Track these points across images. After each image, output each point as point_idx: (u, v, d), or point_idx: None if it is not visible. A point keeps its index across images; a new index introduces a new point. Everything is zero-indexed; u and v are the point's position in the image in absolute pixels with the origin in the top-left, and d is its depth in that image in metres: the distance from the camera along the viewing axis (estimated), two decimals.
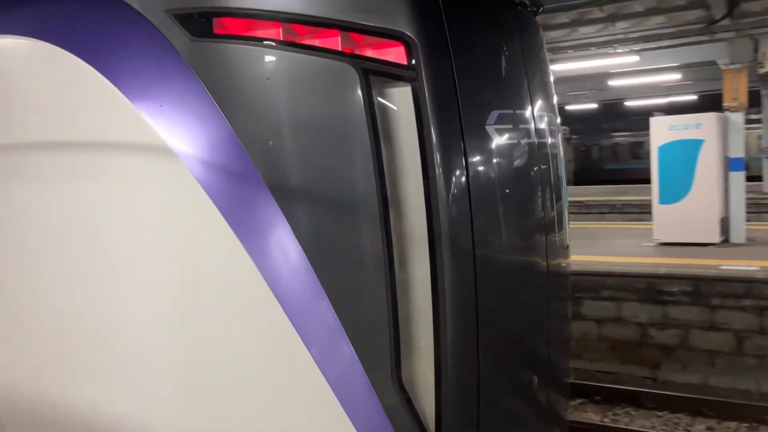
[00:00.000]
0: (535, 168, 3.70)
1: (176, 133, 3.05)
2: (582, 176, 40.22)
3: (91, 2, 3.36)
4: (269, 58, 3.01)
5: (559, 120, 4.25)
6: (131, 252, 3.19)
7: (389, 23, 2.95)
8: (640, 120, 23.93)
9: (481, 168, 3.28)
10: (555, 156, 4.02)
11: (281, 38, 2.98)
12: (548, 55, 4.27)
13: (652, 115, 14.62)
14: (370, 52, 3.01)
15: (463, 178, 3.11)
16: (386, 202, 2.98)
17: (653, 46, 15.61)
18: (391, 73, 3.01)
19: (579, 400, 8.75)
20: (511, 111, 3.57)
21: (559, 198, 4.00)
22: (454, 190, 3.08)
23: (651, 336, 9.67)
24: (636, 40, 15.28)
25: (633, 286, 9.82)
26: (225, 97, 3.00)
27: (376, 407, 2.97)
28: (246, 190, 2.99)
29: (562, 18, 15.41)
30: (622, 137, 42.95)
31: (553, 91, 4.21)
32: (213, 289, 3.06)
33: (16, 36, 3.55)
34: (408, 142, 3.01)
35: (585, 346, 9.93)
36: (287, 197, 2.96)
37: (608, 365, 9.78)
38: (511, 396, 3.55)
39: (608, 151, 43.83)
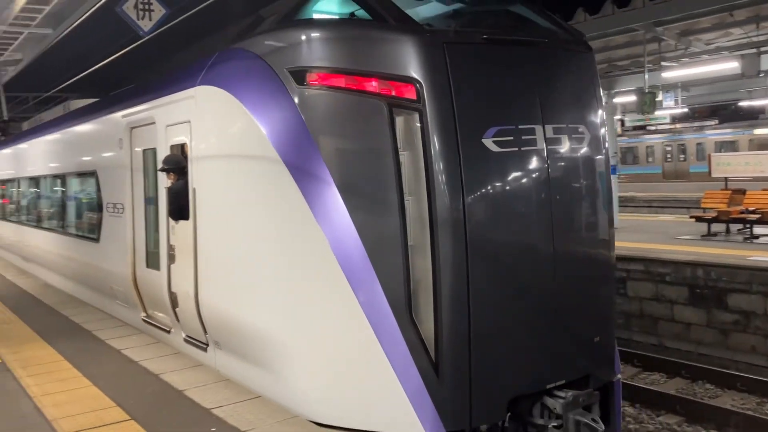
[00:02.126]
0: (541, 170, 4.98)
1: (281, 147, 5.00)
2: None
3: (247, 64, 5.43)
4: (337, 98, 4.83)
5: (601, 134, 5.44)
6: (257, 214, 5.36)
7: (405, 72, 4.65)
8: None
9: (475, 169, 4.68)
10: (585, 163, 5.28)
11: (344, 85, 4.78)
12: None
13: None
14: (394, 92, 4.67)
15: (458, 176, 4.59)
16: (402, 194, 4.65)
17: None
18: (406, 105, 4.65)
19: None
20: (512, 127, 4.86)
21: (586, 197, 5.32)
22: (450, 185, 4.59)
23: None
24: None
25: None
26: (312, 123, 4.86)
27: (395, 330, 4.63)
28: (320, 184, 4.80)
29: None
30: None
31: (591, 110, 5.41)
32: (297, 244, 5.01)
33: (207, 86, 5.95)
34: (418, 151, 4.63)
35: None
36: (345, 190, 4.74)
37: None
38: (496, 328, 4.79)
39: None
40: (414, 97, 4.63)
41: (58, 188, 11.55)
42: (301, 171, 4.88)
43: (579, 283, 5.25)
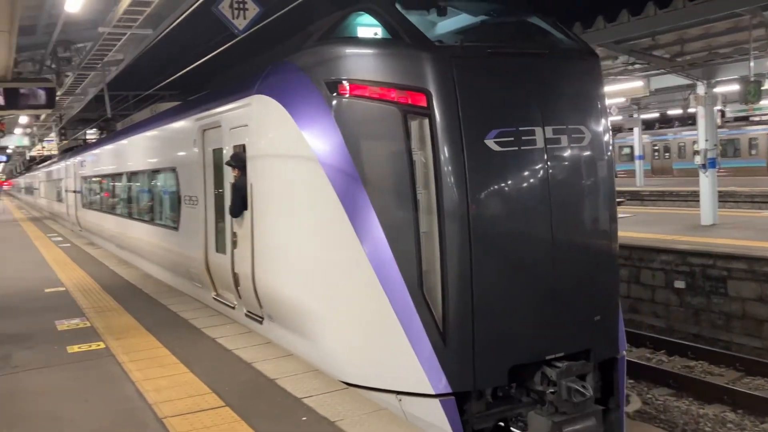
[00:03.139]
0: (540, 166, 5.65)
1: (317, 148, 5.88)
2: None
3: (292, 76, 6.32)
4: (362, 105, 5.66)
5: (603, 134, 6.02)
6: (297, 206, 6.34)
7: (418, 83, 5.43)
8: None
9: (478, 165, 5.39)
10: (585, 160, 5.90)
11: (368, 95, 5.60)
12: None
13: None
14: (410, 100, 5.44)
15: (462, 171, 5.33)
16: (414, 188, 5.44)
17: None
18: (417, 112, 5.43)
19: None
20: (512, 129, 5.54)
21: (585, 190, 5.92)
22: (454, 179, 5.34)
23: None
24: None
25: None
26: (342, 126, 5.69)
27: (409, 303, 5.39)
28: (348, 180, 5.63)
29: None
30: None
31: (593, 112, 6.00)
32: (329, 230, 5.87)
33: (260, 96, 6.86)
34: (428, 151, 5.41)
35: None
36: (368, 185, 5.57)
37: None
38: (496, 304, 5.45)
39: None
40: (425, 104, 5.40)
41: (145, 183, 12.75)
42: (333, 169, 5.74)
43: (577, 267, 5.83)
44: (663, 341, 12.10)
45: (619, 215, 20.84)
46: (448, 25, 6.38)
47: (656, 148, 45.12)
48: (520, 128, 5.57)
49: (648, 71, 17.98)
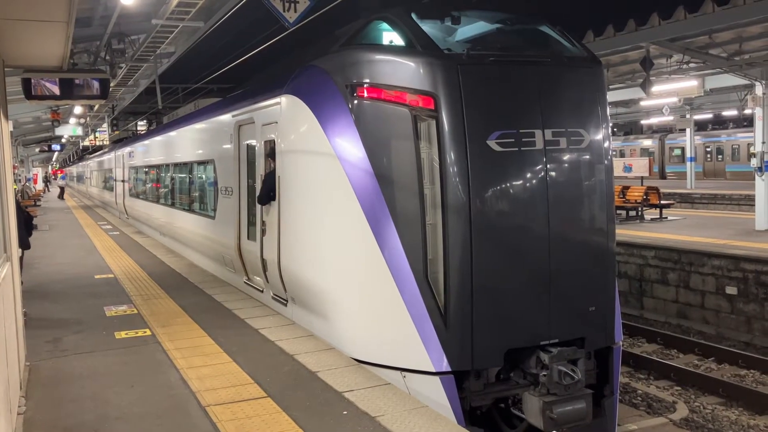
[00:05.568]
0: (539, 165, 6.03)
1: (337, 144, 6.35)
2: None
3: (317, 79, 6.79)
4: (378, 107, 6.12)
5: (602, 136, 6.37)
6: (318, 197, 6.82)
7: (427, 88, 5.87)
8: None
9: (480, 164, 5.82)
10: (583, 160, 6.25)
11: (383, 97, 6.07)
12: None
13: None
14: (421, 103, 5.89)
15: (465, 169, 5.78)
16: (422, 183, 5.90)
17: None
18: (426, 114, 5.89)
19: None
20: (513, 131, 5.94)
21: (582, 189, 6.25)
22: (458, 176, 5.78)
23: None
24: None
25: None
26: (360, 126, 6.16)
27: (415, 288, 5.87)
28: (364, 176, 6.10)
29: None
30: None
31: (593, 117, 6.34)
32: (345, 221, 6.31)
33: (289, 95, 7.37)
34: (435, 150, 5.86)
35: None
36: (381, 180, 6.02)
37: None
38: (494, 292, 5.89)
39: None
40: (433, 107, 5.85)
41: (185, 174, 13.56)
42: (350, 164, 6.20)
43: (572, 261, 6.19)
44: (712, 348, 11.75)
45: (670, 218, 20.30)
46: (463, 32, 6.73)
47: (708, 149, 43.90)
48: (521, 130, 5.96)
49: (703, 70, 17.46)
